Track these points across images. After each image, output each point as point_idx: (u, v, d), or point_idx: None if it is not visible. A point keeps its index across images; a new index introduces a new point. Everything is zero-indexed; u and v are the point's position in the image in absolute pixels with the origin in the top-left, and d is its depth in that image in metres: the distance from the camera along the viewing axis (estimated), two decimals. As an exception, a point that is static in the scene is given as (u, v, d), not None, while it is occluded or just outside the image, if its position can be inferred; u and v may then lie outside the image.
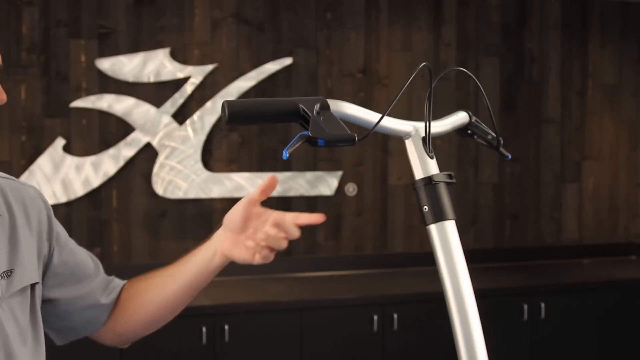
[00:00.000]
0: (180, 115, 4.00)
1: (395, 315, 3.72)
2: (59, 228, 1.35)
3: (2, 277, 1.20)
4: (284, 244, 1.21)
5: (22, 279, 1.24)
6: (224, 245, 1.27)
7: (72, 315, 1.36)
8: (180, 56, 4.01)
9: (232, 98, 3.94)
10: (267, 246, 1.23)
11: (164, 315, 1.39)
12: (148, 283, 1.38)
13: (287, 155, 1.15)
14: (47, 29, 3.83)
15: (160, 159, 3.98)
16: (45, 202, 1.33)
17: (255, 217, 1.26)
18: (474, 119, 1.23)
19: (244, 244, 1.24)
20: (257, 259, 1.23)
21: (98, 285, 1.38)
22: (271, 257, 1.24)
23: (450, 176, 1.12)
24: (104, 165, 3.90)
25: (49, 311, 1.34)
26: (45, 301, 1.33)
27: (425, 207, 1.10)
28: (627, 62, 4.81)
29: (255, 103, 1.11)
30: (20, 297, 1.24)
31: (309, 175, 4.20)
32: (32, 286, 1.27)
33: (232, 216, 1.26)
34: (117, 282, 1.42)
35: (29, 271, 1.25)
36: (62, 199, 3.82)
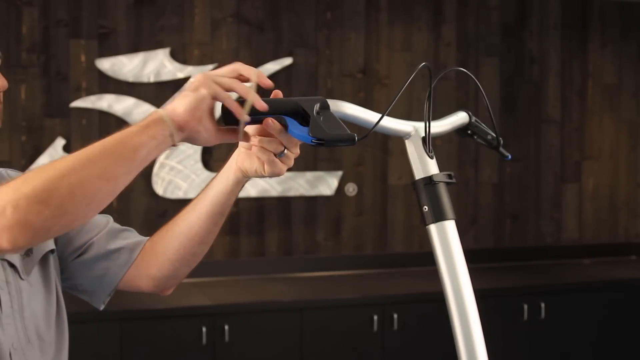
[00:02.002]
0: (180, 115, 3.99)
1: (395, 315, 3.72)
2: None
3: (24, 256, 1.28)
4: (278, 148, 1.15)
5: (38, 251, 1.30)
6: (238, 159, 1.23)
7: (90, 267, 1.39)
8: (180, 56, 4.01)
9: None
10: (268, 151, 1.17)
11: (193, 248, 1.36)
12: (174, 219, 1.39)
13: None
14: (47, 29, 3.83)
15: (160, 159, 3.98)
16: None
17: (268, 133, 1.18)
18: (473, 119, 1.23)
19: (254, 155, 1.19)
20: (267, 169, 1.17)
21: (104, 234, 1.41)
22: (279, 167, 1.17)
23: (450, 176, 1.12)
24: (104, 165, 3.89)
25: (74, 274, 1.40)
26: (67, 266, 1.39)
27: (425, 207, 1.10)
28: (627, 62, 4.80)
29: None
30: (42, 270, 1.32)
31: (309, 175, 4.20)
32: (49, 254, 1.34)
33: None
34: (134, 233, 1.45)
35: (44, 242, 1.31)
36: (62, 199, 3.82)
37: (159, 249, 1.39)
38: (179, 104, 1.07)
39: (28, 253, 1.29)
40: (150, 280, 1.41)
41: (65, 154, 3.82)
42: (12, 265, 1.26)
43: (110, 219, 1.45)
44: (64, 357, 1.35)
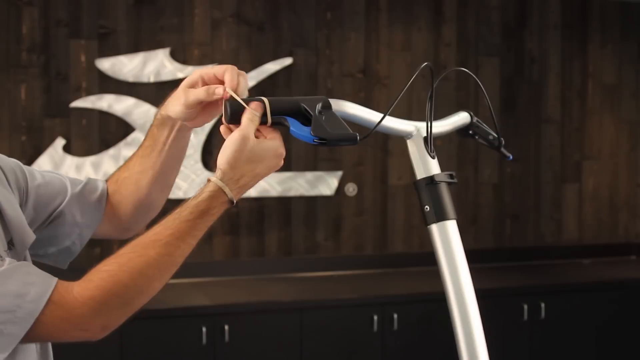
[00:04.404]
0: (180, 115, 3.99)
1: (395, 315, 3.72)
2: (25, 170, 1.36)
3: (8, 251, 1.20)
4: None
5: (23, 244, 1.24)
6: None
7: (61, 236, 1.38)
8: (180, 56, 4.01)
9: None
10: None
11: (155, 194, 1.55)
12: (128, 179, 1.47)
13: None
14: (47, 29, 3.82)
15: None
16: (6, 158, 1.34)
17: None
18: (475, 119, 1.23)
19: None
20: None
21: (70, 200, 1.38)
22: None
23: (451, 176, 1.12)
24: (104, 165, 3.90)
25: (41, 243, 1.36)
26: (40, 233, 1.35)
27: (427, 206, 1.10)
28: (627, 62, 4.81)
29: None
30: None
31: (309, 175, 4.19)
32: None
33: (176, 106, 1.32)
34: (94, 184, 1.43)
35: (26, 231, 1.25)
36: (62, 199, 3.81)
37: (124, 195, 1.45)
38: (244, 189, 1.20)
39: (10, 246, 1.20)
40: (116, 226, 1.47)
41: (65, 154, 3.82)
42: None
43: (65, 177, 1.41)
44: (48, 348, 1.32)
